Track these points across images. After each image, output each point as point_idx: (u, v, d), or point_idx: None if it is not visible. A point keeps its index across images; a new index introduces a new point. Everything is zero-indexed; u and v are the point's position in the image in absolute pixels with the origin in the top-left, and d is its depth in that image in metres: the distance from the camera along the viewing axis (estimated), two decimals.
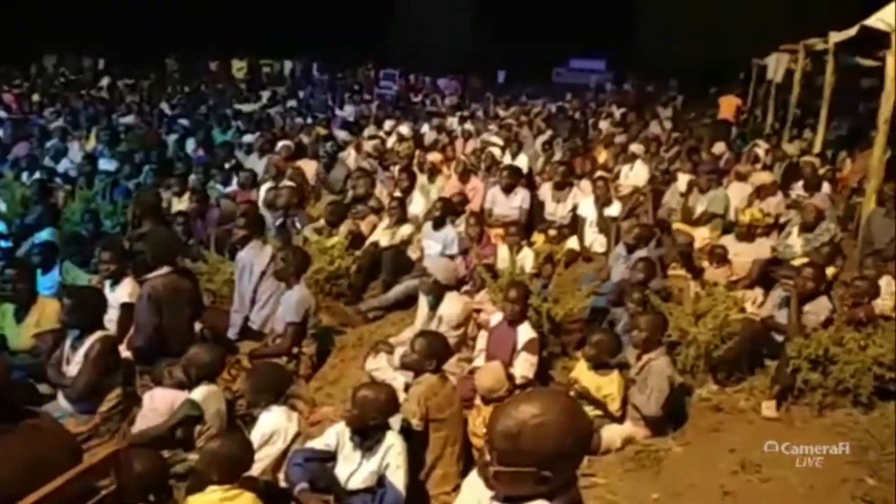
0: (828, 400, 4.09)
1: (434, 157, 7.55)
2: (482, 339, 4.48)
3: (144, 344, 4.21)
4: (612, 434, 3.87)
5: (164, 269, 4.33)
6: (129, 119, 12.73)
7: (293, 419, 3.41)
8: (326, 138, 9.78)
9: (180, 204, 7.02)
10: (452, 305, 4.39)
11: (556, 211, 7.22)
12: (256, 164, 8.66)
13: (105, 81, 18.68)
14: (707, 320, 4.55)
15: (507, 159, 8.89)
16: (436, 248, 5.81)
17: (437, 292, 4.44)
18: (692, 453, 3.80)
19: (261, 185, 7.44)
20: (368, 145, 8.95)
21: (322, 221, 6.34)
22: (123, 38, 21.65)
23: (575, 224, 6.99)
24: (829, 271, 5.35)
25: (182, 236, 6.25)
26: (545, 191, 7.38)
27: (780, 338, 4.52)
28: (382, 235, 5.94)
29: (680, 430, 4.02)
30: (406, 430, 3.33)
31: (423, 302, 4.64)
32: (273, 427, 3.31)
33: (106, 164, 8.70)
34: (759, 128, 12.92)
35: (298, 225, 6.17)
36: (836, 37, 8.15)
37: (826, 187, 7.48)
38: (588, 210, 6.93)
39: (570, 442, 1.52)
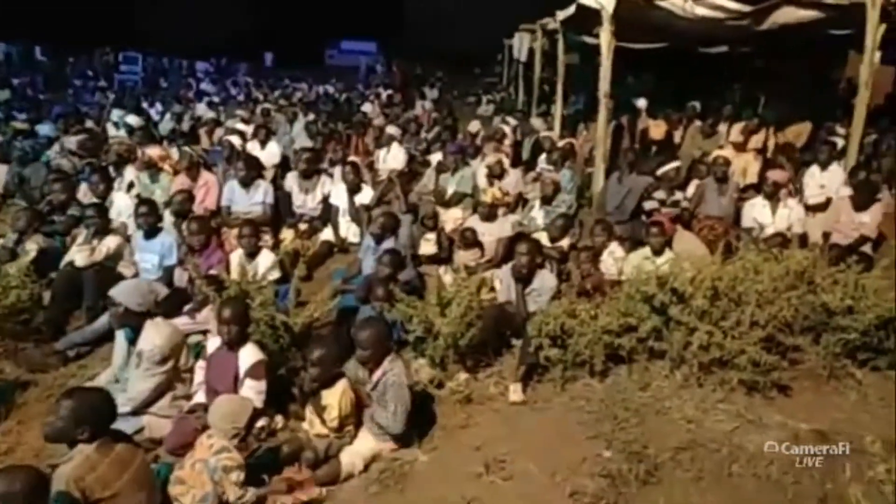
0: (568, 373, 4.11)
1: (153, 151, 6.44)
2: (200, 371, 3.77)
3: None
4: (351, 457, 3.46)
5: None
6: None
7: None
8: (26, 135, 8.01)
9: None
10: (153, 336, 3.59)
11: (305, 202, 6.63)
12: None
13: None
14: (452, 308, 4.35)
15: (254, 148, 8.06)
16: (152, 260, 4.91)
17: (132, 322, 3.61)
18: (438, 460, 3.53)
19: None
20: (71, 140, 7.42)
21: (4, 239, 5.05)
22: None
23: (328, 214, 6.49)
24: (565, 242, 5.51)
25: None
26: (291, 181, 6.73)
27: None
28: (79, 253, 4.80)
29: (427, 435, 3.74)
30: None
31: (119, 337, 3.78)
32: None
33: None
34: (512, 105, 13.54)
35: None
36: (560, 15, 8.57)
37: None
38: (341, 198, 6.46)
39: None
